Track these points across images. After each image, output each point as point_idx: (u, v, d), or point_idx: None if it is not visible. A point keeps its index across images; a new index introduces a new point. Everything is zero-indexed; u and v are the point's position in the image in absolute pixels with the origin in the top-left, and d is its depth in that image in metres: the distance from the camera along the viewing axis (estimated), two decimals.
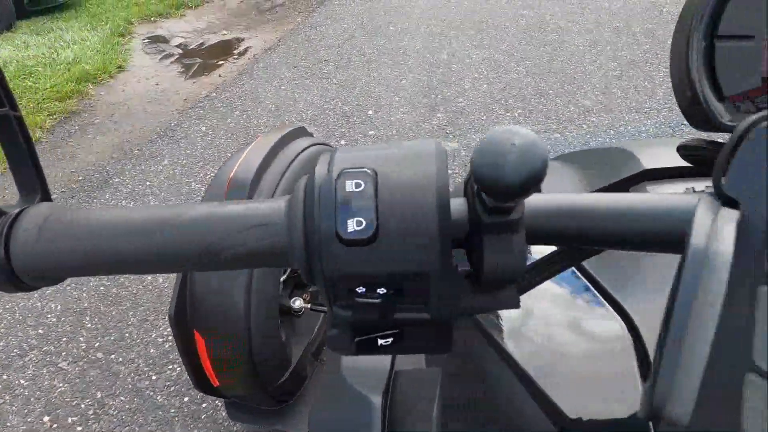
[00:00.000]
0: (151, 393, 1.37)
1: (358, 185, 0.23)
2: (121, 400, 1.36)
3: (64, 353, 1.49)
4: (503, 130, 0.22)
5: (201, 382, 1.08)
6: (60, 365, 1.46)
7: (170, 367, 1.43)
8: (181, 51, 3.56)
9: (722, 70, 0.33)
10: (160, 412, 1.32)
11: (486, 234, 0.24)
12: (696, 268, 0.17)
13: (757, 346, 0.19)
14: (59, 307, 1.62)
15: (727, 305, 0.18)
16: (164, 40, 3.75)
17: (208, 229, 0.26)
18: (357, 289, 0.24)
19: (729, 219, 0.18)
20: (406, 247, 0.23)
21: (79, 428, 1.30)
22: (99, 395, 1.38)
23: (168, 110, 2.77)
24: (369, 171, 0.23)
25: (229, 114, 2.64)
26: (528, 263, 0.27)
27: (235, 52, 3.47)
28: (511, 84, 2.70)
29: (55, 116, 2.71)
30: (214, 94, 2.86)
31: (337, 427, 0.60)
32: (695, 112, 0.33)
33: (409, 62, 3.02)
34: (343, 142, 2.33)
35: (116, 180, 2.21)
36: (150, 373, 1.42)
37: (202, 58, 3.41)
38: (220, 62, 3.33)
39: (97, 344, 1.51)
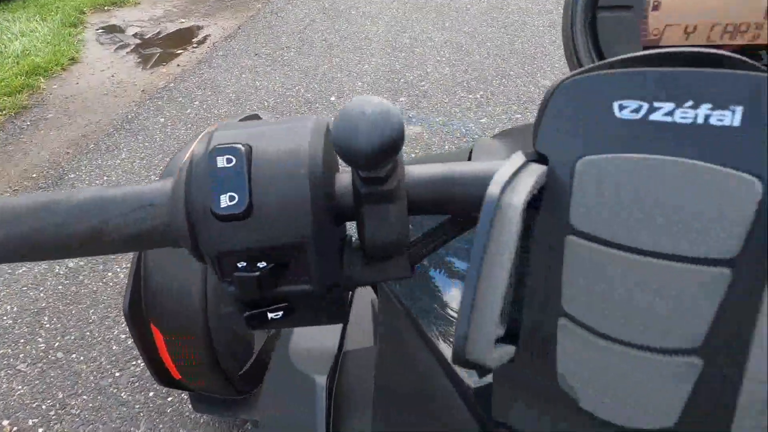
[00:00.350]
0: (115, 390, 1.35)
1: (229, 161, 0.23)
2: (84, 399, 1.34)
3: (22, 355, 1.45)
4: (357, 100, 0.22)
5: (162, 377, 1.07)
6: (18, 367, 1.42)
7: (134, 363, 1.41)
8: (137, 41, 3.44)
9: (604, 39, 0.34)
10: (125, 409, 1.31)
11: (365, 204, 0.24)
12: (488, 218, 0.18)
13: (565, 293, 0.19)
14: (15, 308, 1.58)
15: (522, 254, 0.19)
16: (119, 29, 3.62)
17: (92, 212, 0.26)
18: (238, 264, 0.24)
19: (531, 173, 0.19)
20: (281, 220, 0.23)
21: (40, 430, 1.28)
22: (60, 395, 1.35)
23: (125, 102, 2.68)
24: (241, 146, 0.23)
25: (189, 104, 2.58)
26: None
27: (193, 40, 3.38)
28: (473, 66, 2.71)
29: (4, 112, 2.60)
30: (173, 85, 2.79)
31: (285, 408, 0.61)
32: None
33: (372, 46, 3.00)
34: None
35: (72, 176, 2.14)
36: (113, 371, 1.40)
37: (159, 48, 3.31)
38: (179, 51, 3.24)
39: (57, 344, 1.47)
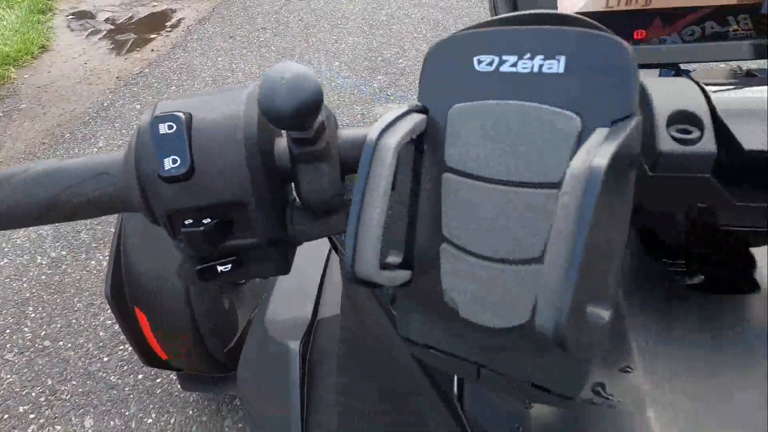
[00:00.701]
0: (104, 374, 1.37)
1: (170, 127, 0.25)
2: (73, 385, 1.36)
3: (9, 345, 1.46)
4: (277, 67, 0.24)
5: (149, 358, 1.09)
6: (6, 357, 1.43)
7: (121, 347, 1.43)
8: (109, 26, 3.37)
9: (521, 3, 0.36)
10: (115, 392, 1.33)
11: (298, 164, 0.26)
12: (368, 157, 0.20)
13: (444, 222, 0.23)
14: None
15: (412, 191, 0.22)
16: (90, 15, 3.54)
17: (51, 182, 0.27)
18: (185, 222, 0.26)
19: (410, 120, 0.22)
20: (221, 180, 0.26)
21: (32, 416, 1.30)
22: (50, 382, 1.37)
23: (100, 90, 2.65)
24: (181, 114, 0.26)
25: (165, 90, 2.55)
26: None
27: (167, 24, 3.32)
28: None
29: None
30: (148, 70, 2.75)
31: (261, 374, 0.63)
32: None
33: (348, 25, 2.98)
34: None
35: None
36: (101, 356, 1.42)
37: (132, 33, 3.25)
38: (152, 36, 3.18)
39: (43, 333, 1.49)
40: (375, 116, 2.22)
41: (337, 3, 3.24)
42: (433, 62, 0.23)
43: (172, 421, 1.27)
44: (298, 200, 0.29)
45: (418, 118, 0.23)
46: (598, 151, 0.17)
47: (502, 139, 0.21)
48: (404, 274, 0.24)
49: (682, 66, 0.39)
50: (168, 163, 0.25)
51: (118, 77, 2.74)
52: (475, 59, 0.22)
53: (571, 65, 0.20)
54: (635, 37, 0.37)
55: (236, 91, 0.27)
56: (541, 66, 0.20)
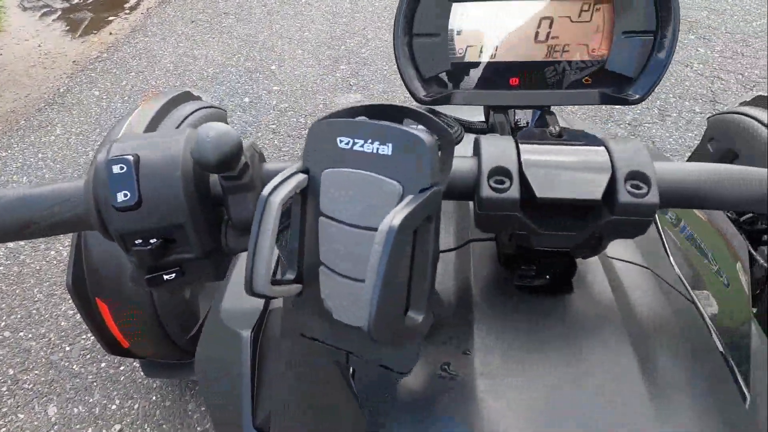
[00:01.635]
0: (67, 363, 1.40)
1: (122, 168, 0.32)
2: (36, 374, 1.38)
3: None
4: (204, 127, 0.31)
5: (112, 347, 1.12)
6: None
7: (84, 336, 1.46)
8: (65, 5, 3.27)
9: (420, 59, 0.44)
10: (78, 380, 1.36)
11: (227, 194, 0.33)
12: (260, 210, 0.28)
13: (321, 251, 0.31)
14: None
15: (301, 227, 0.29)
16: None
17: (23, 208, 0.33)
18: (136, 241, 0.32)
19: (293, 180, 0.30)
20: (163, 209, 0.32)
21: None
22: (11, 372, 1.38)
23: (56, 74, 2.59)
24: (131, 157, 0.32)
25: (124, 76, 2.52)
26: None
27: (126, 6, 3.24)
28: None
29: None
30: (106, 55, 2.70)
31: (215, 360, 0.69)
32: (409, 90, 0.44)
33: (312, 12, 2.98)
34: (246, 99, 2.32)
35: (3, 154, 2.08)
36: (63, 345, 1.44)
37: (89, 14, 3.16)
38: (110, 18, 3.11)
39: (3, 324, 1.49)
40: (337, 105, 2.25)
41: None
42: (313, 136, 0.31)
43: (136, 406, 1.31)
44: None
45: (301, 177, 0.30)
46: (396, 216, 0.25)
47: (354, 195, 0.29)
48: (296, 287, 0.32)
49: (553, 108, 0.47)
50: (120, 197, 0.32)
51: (74, 61, 2.68)
52: (338, 139, 0.29)
53: (395, 150, 0.27)
54: (511, 83, 0.45)
55: (176, 135, 0.34)
56: (378, 149, 0.28)
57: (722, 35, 2.54)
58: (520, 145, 0.34)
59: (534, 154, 0.33)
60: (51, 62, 2.70)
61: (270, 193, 0.28)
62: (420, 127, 0.30)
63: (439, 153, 0.29)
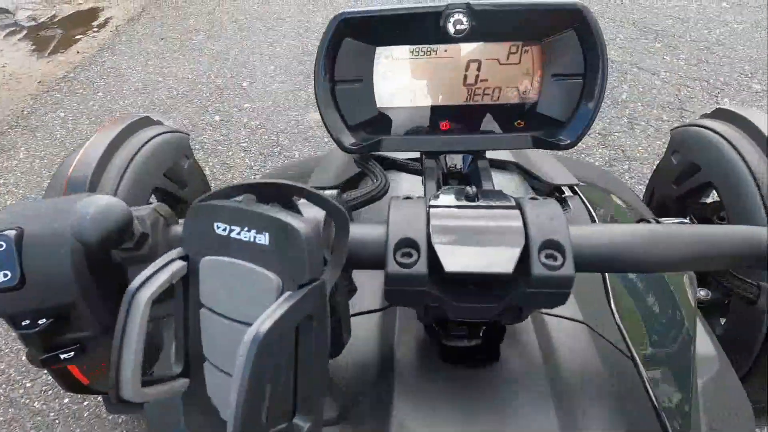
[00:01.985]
0: (27, 401, 1.34)
1: (0, 246, 0.28)
2: None
3: None
4: (85, 201, 0.28)
5: (71, 386, 1.08)
6: None
7: (45, 372, 1.40)
8: (30, 24, 3.20)
9: (344, 106, 0.41)
10: (39, 418, 1.31)
11: (127, 266, 0.30)
12: (124, 310, 0.25)
13: (203, 344, 0.28)
14: None
15: (185, 318, 0.26)
16: (8, 12, 3.34)
17: None
18: (23, 323, 0.30)
19: (167, 270, 0.27)
20: (51, 287, 0.29)
21: None
22: None
23: (20, 96, 2.52)
24: (12, 232, 0.29)
25: (91, 96, 2.46)
26: None
27: (93, 24, 3.19)
28: None
29: None
30: (73, 75, 2.64)
31: (161, 404, 0.66)
32: (334, 139, 0.42)
33: (284, 27, 2.96)
34: (217, 117, 2.28)
35: None
36: (24, 381, 1.38)
37: (56, 33, 3.10)
38: (78, 36, 3.05)
39: None
40: (309, 122, 2.23)
41: (273, 4, 3.21)
42: (191, 220, 0.28)
43: None
44: None
45: (178, 265, 0.27)
46: (262, 323, 0.23)
47: (233, 287, 0.26)
48: (182, 382, 0.29)
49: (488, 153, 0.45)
50: (0, 277, 0.29)
51: (40, 82, 2.62)
52: (215, 224, 0.27)
53: (271, 240, 0.25)
54: (442, 128, 0.43)
55: (66, 203, 0.31)
56: (255, 237, 0.26)
57: (687, 44, 2.59)
58: (430, 211, 0.32)
59: (445, 220, 0.31)
60: (15, 83, 2.63)
61: (137, 290, 0.25)
62: (304, 212, 0.27)
63: (333, 232, 0.27)
